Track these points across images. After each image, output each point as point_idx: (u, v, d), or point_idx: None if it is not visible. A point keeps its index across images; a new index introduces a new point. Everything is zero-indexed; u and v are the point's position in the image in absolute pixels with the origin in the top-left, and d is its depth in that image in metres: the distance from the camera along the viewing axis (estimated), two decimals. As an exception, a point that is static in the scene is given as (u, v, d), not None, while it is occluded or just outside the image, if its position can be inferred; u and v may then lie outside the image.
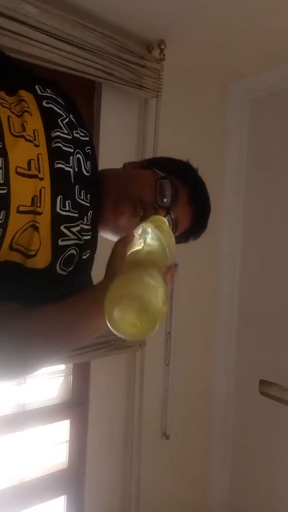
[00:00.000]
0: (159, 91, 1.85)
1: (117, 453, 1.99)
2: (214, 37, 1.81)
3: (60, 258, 0.71)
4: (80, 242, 0.74)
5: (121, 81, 1.70)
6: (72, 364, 1.83)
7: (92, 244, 0.80)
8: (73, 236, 0.72)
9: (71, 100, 0.83)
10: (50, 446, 1.84)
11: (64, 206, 0.71)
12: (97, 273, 0.75)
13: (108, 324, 0.53)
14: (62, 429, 1.86)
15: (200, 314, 2.28)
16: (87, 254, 0.78)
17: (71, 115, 0.78)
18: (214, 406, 2.37)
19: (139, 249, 0.66)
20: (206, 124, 2.22)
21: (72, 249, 0.73)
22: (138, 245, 0.67)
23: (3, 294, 0.70)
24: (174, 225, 0.83)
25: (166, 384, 2.11)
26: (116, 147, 1.81)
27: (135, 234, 0.69)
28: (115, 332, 0.53)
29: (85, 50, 1.56)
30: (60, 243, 0.71)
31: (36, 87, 0.76)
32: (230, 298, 2.35)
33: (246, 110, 2.34)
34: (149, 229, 0.70)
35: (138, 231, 0.70)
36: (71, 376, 1.86)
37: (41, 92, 0.75)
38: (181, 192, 0.84)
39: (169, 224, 0.79)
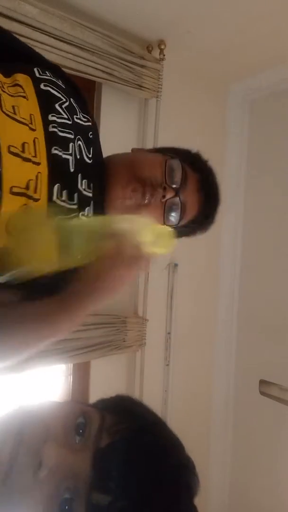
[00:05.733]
0: (159, 91, 1.86)
1: (117, 453, 1.98)
2: (214, 38, 1.81)
3: None
4: None
5: (121, 81, 1.70)
6: (72, 364, 1.83)
7: None
8: None
9: (73, 84, 0.80)
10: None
11: (61, 195, 0.69)
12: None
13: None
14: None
15: (200, 314, 2.28)
16: None
17: (71, 99, 0.76)
18: (214, 406, 2.37)
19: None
20: (206, 124, 2.21)
21: None
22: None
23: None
24: (183, 210, 0.81)
25: (166, 384, 2.10)
26: (116, 147, 1.80)
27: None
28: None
29: (85, 50, 1.56)
30: None
31: (35, 69, 0.73)
32: (230, 298, 2.35)
33: (246, 110, 2.34)
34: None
35: None
36: (71, 376, 1.86)
37: (40, 74, 0.73)
38: (190, 177, 0.81)
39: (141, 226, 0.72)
